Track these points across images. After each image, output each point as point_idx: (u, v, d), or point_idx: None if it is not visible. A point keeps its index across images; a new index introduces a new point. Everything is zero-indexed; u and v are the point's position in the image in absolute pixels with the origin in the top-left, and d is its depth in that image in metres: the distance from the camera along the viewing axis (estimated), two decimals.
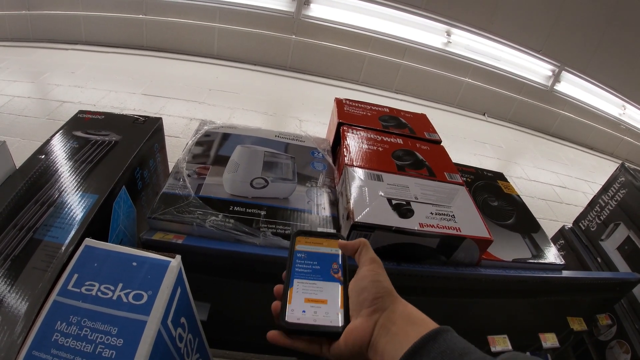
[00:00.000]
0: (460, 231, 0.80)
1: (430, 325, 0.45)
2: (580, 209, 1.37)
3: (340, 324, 0.48)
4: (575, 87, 3.63)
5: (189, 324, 0.58)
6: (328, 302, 0.51)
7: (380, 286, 0.49)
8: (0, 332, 0.51)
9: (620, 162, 1.26)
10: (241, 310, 0.88)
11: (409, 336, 0.43)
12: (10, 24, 2.98)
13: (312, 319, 0.49)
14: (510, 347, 0.94)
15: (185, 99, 2.51)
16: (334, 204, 0.90)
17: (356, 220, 0.75)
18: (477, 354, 0.40)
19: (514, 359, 0.39)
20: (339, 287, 0.53)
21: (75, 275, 0.49)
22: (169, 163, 1.14)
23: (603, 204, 1.27)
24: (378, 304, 0.47)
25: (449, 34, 3.24)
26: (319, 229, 0.83)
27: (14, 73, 2.52)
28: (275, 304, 0.51)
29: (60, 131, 0.91)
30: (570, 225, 1.40)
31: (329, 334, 0.48)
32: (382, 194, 0.84)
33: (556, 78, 3.53)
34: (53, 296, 0.47)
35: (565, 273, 0.94)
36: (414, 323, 0.45)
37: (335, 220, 0.85)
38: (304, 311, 0.50)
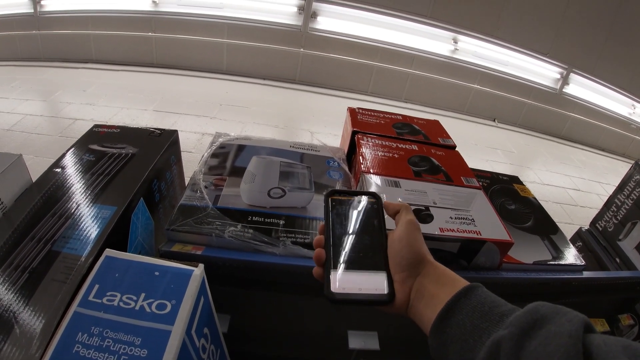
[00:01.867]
0: (480, 235, 0.79)
1: (461, 284, 0.47)
2: (595, 211, 1.36)
3: (386, 291, 0.49)
4: (584, 89, 3.62)
5: (212, 335, 0.57)
6: (371, 267, 0.51)
7: (413, 251, 0.50)
8: (18, 344, 0.50)
9: (633, 162, 1.25)
10: (262, 322, 0.87)
11: (442, 297, 0.45)
12: (21, 44, 3.05)
13: (357, 287, 0.49)
14: None
15: (197, 114, 2.53)
16: None
17: None
18: (507, 306, 0.42)
19: (537, 308, 0.40)
20: (381, 250, 0.53)
21: (96, 286, 0.49)
22: (184, 177, 1.14)
23: (619, 204, 1.26)
24: (411, 269, 0.49)
25: (455, 41, 3.25)
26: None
27: (25, 92, 2.56)
28: (317, 269, 0.53)
29: (76, 145, 0.92)
30: (587, 227, 1.38)
31: (376, 302, 0.49)
32: (401, 200, 0.83)
33: (564, 80, 3.51)
34: (74, 307, 0.47)
35: (586, 274, 0.92)
36: (445, 284, 0.47)
37: None
38: (348, 279, 0.49)
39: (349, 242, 0.54)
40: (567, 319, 0.38)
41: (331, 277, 0.49)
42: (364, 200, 0.59)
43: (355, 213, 0.58)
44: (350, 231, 0.55)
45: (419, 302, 0.47)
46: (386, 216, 0.58)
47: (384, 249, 0.53)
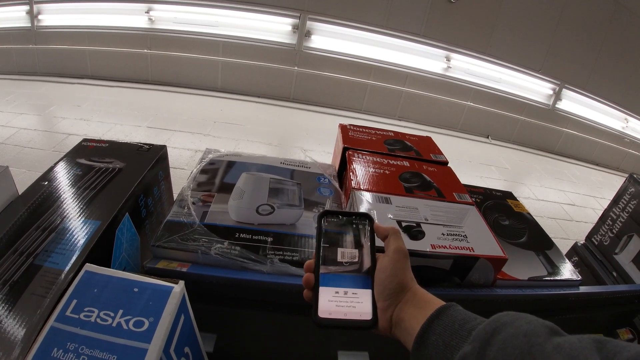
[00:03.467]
0: (473, 251, 0.78)
1: (435, 305, 0.49)
2: (591, 226, 1.35)
3: (370, 316, 0.50)
4: (576, 104, 3.66)
5: (194, 355, 0.55)
6: (358, 294, 0.52)
7: (396, 282, 0.51)
8: None
9: (627, 175, 1.25)
10: (249, 342, 0.85)
11: (419, 320, 0.47)
12: (17, 58, 3.07)
13: (343, 312, 0.50)
14: None
15: (190, 131, 2.53)
16: None
17: None
18: (475, 320, 0.44)
19: (498, 317, 0.42)
20: (368, 276, 0.53)
21: (74, 301, 0.47)
22: (173, 193, 1.12)
23: (615, 217, 1.25)
24: (392, 298, 0.51)
25: (448, 59, 3.28)
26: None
27: (20, 106, 2.56)
28: (306, 277, 0.54)
29: (64, 158, 0.91)
30: (582, 241, 1.38)
31: (360, 327, 0.50)
32: (392, 217, 0.82)
33: (557, 96, 3.55)
34: (50, 322, 0.46)
35: (583, 288, 0.92)
36: (422, 307, 0.49)
37: None
38: (335, 305, 0.51)
39: (337, 266, 0.55)
40: (526, 321, 0.40)
41: (319, 301, 0.51)
42: (355, 222, 0.59)
43: (345, 237, 0.58)
44: (340, 256, 0.56)
45: (399, 328, 0.50)
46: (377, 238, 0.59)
47: (371, 274, 0.53)
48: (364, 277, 0.54)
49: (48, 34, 3.02)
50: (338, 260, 0.55)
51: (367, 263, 0.55)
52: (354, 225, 0.59)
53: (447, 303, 0.49)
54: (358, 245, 0.57)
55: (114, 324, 0.45)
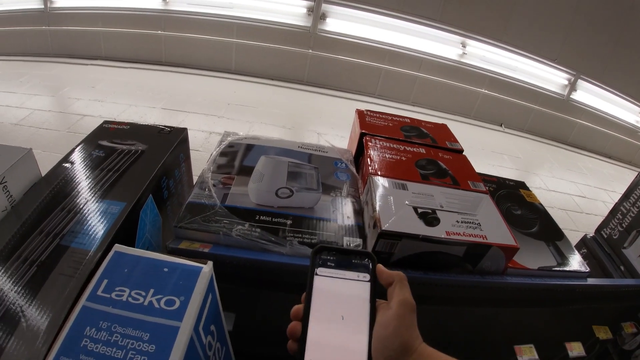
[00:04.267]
0: (486, 239, 0.79)
1: None
2: (601, 218, 1.36)
3: None
4: (591, 96, 3.61)
5: (218, 333, 0.57)
6: (351, 350, 0.45)
7: (400, 342, 0.44)
8: (25, 337, 0.51)
9: (639, 170, 1.25)
10: (266, 321, 0.87)
11: None
12: (30, 40, 3.07)
13: None
14: (536, 357, 0.92)
15: (205, 113, 2.54)
16: (358, 213, 0.89)
17: (383, 228, 0.74)
18: None
19: None
20: (365, 331, 0.47)
21: (105, 281, 0.49)
22: (192, 175, 1.14)
23: (625, 211, 1.25)
24: None
25: (464, 45, 3.24)
26: (345, 240, 0.81)
27: (34, 87, 2.58)
28: (292, 326, 0.48)
29: (86, 140, 0.92)
30: (592, 234, 1.38)
31: None
32: (408, 203, 0.83)
33: (572, 87, 3.50)
34: (82, 301, 0.47)
35: (590, 280, 0.93)
36: None
37: (360, 229, 0.84)
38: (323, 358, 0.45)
39: (329, 315, 0.48)
40: None
41: (305, 357, 0.44)
42: (355, 261, 0.52)
43: (342, 281, 0.50)
44: (334, 304, 0.48)
45: None
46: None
47: (369, 328, 0.47)
48: (361, 333, 0.46)
49: (61, 15, 3.02)
50: (331, 307, 0.48)
51: (364, 313, 0.48)
52: (353, 266, 0.51)
53: None
54: (356, 292, 0.49)
55: (146, 303, 0.47)
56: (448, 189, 0.93)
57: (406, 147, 1.06)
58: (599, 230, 1.36)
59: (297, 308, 0.49)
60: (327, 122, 2.78)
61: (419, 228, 0.77)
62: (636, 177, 1.25)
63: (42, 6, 2.97)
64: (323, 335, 0.46)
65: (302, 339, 0.45)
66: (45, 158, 1.63)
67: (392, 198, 0.84)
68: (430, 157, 1.05)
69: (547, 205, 1.11)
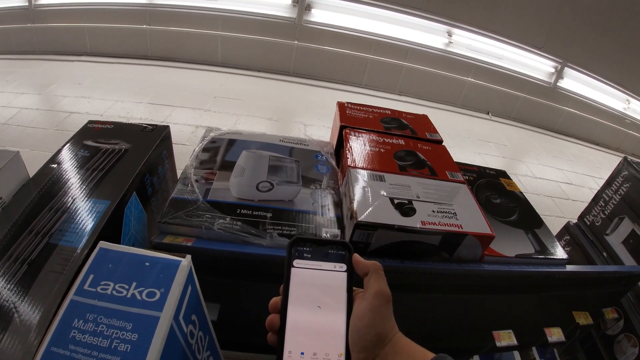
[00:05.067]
0: (461, 228, 0.82)
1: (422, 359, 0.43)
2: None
3: None
4: (578, 83, 3.64)
5: (200, 322, 0.60)
6: (329, 340, 0.47)
7: (375, 332, 0.45)
8: (18, 332, 0.53)
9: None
10: (250, 311, 0.90)
11: None
12: (16, 38, 3.04)
13: None
14: (515, 342, 0.95)
15: (191, 106, 2.54)
16: (338, 205, 0.92)
17: (359, 219, 0.77)
18: None
19: None
20: (343, 322, 0.48)
21: (91, 276, 0.51)
22: (176, 170, 1.16)
23: (607, 199, 1.28)
24: (368, 351, 0.45)
25: (450, 34, 3.26)
26: (324, 231, 0.83)
27: (21, 85, 2.57)
28: (271, 318, 0.49)
29: (71, 141, 0.94)
30: (575, 220, 1.41)
31: None
32: (385, 194, 0.86)
33: (559, 74, 3.53)
34: (70, 296, 0.50)
35: (570, 267, 0.95)
36: None
37: (339, 220, 0.87)
38: (302, 353, 0.46)
39: (307, 307, 0.49)
40: None
41: (284, 348, 0.46)
42: (331, 252, 0.52)
43: (319, 272, 0.51)
44: (311, 295, 0.49)
45: None
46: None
47: (346, 318, 0.48)
48: (338, 323, 0.48)
49: (46, 12, 2.99)
50: (309, 298, 0.49)
51: (341, 303, 0.49)
52: (330, 257, 0.52)
53: (435, 356, 0.43)
54: (332, 282, 0.50)
55: (129, 295, 0.50)
56: (425, 179, 0.95)
57: (385, 139, 1.09)
58: (582, 217, 1.39)
59: (275, 300, 0.50)
60: (314, 113, 2.79)
61: (395, 218, 0.80)
62: (618, 164, 1.27)
63: (27, 3, 2.94)
64: (301, 327, 0.47)
65: (280, 331, 0.47)
66: (33, 157, 1.64)
67: (369, 189, 0.86)
68: (409, 148, 1.07)
69: (534, 193, 1.14)
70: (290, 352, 0.46)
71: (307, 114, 2.79)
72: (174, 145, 1.12)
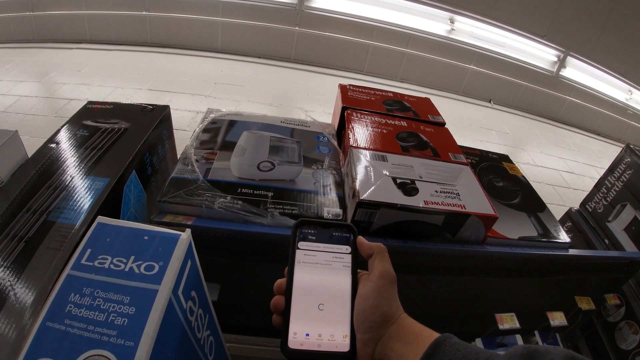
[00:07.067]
0: (465, 208, 0.81)
1: (427, 340, 0.43)
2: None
3: (347, 348, 0.46)
4: (580, 73, 3.61)
5: (200, 299, 0.59)
6: (334, 321, 0.48)
7: (380, 313, 0.46)
8: (14, 310, 0.53)
9: None
10: (250, 292, 0.89)
11: (409, 358, 0.42)
12: (14, 26, 3.02)
13: (316, 343, 0.46)
14: (517, 325, 0.95)
15: (191, 92, 2.52)
16: (339, 185, 0.91)
17: (362, 198, 0.76)
18: (485, 354, 0.40)
19: (527, 350, 0.38)
20: (348, 303, 0.49)
21: (89, 250, 0.50)
22: (177, 153, 1.15)
23: (609, 185, 1.27)
24: (375, 331, 0.46)
25: (452, 21, 3.23)
26: (326, 211, 0.83)
27: (20, 73, 2.55)
28: (275, 300, 0.49)
29: (70, 121, 0.93)
30: (577, 207, 1.40)
31: (336, 359, 0.46)
32: (387, 173, 0.85)
33: (561, 63, 3.50)
34: (67, 270, 0.49)
35: (572, 251, 0.94)
36: (411, 343, 0.44)
37: (341, 200, 0.86)
38: (307, 334, 0.46)
39: (312, 288, 0.49)
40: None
41: (289, 329, 0.46)
42: (336, 234, 0.53)
43: (323, 254, 0.52)
44: (315, 276, 0.50)
45: None
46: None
47: (351, 299, 0.49)
48: (342, 304, 0.48)
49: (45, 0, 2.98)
50: (314, 280, 0.50)
51: (346, 285, 0.50)
52: (334, 239, 0.53)
53: (440, 336, 0.43)
54: (337, 264, 0.51)
55: (127, 269, 0.48)
56: (428, 160, 0.94)
57: (387, 120, 1.08)
58: (583, 204, 1.38)
59: (280, 282, 0.50)
60: (315, 100, 2.77)
61: (397, 197, 0.79)
62: (621, 151, 1.26)
63: None
64: (306, 309, 0.48)
65: (286, 313, 0.47)
66: (33, 144, 1.63)
67: (371, 169, 0.85)
68: (412, 129, 1.06)
69: (535, 181, 1.13)
70: (296, 333, 0.46)
71: (308, 100, 2.77)
72: (174, 130, 1.11)
